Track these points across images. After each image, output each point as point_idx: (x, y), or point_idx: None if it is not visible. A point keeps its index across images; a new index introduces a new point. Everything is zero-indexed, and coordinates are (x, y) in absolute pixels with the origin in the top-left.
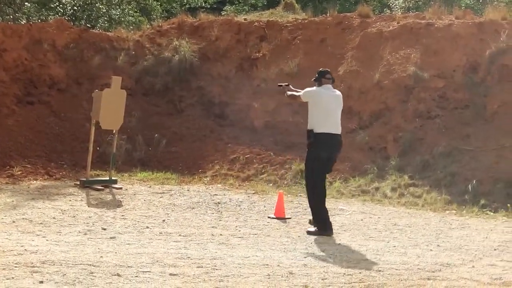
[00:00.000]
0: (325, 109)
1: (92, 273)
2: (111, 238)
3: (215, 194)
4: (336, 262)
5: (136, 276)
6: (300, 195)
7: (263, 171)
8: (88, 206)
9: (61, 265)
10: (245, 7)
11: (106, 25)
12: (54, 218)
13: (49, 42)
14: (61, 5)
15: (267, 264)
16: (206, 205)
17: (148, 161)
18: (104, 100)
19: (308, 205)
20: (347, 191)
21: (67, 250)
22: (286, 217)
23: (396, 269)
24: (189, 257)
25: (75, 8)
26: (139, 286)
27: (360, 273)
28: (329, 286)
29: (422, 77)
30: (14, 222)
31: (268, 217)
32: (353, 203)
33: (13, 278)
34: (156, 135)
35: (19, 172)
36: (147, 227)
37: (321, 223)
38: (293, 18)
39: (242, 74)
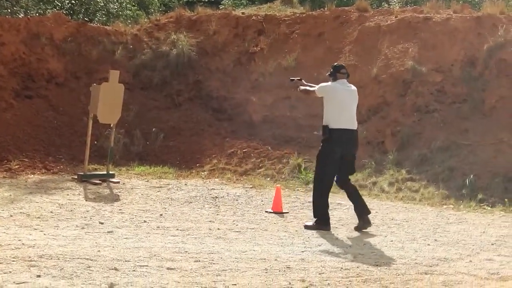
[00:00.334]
0: (341, 105)
1: (89, 267)
2: (108, 232)
3: (213, 189)
4: (333, 257)
5: (133, 270)
6: (298, 190)
7: (260, 165)
8: (86, 200)
9: (58, 259)
10: (243, 1)
11: (104, 19)
12: (51, 212)
13: (47, 36)
14: None
15: (264, 259)
16: (204, 199)
17: (146, 155)
18: (102, 94)
19: (312, 197)
20: None
21: (65, 244)
22: (284, 211)
23: (394, 264)
24: (186, 251)
25: (73, 2)
26: (136, 280)
27: (357, 267)
28: (326, 280)
29: (420, 72)
30: (11, 216)
31: (266, 212)
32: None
33: (10, 272)
34: (153, 129)
35: (16, 166)
36: (145, 221)
37: (320, 217)
38: (291, 12)
39: (240, 68)
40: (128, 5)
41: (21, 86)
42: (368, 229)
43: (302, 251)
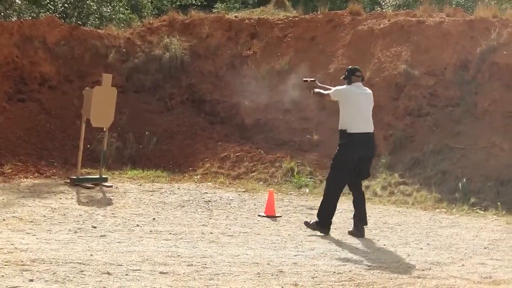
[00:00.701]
0: (357, 108)
1: (82, 271)
2: (101, 236)
3: (206, 192)
4: (326, 261)
5: (126, 275)
6: (290, 193)
7: (253, 169)
8: (79, 204)
9: (51, 263)
10: (236, 4)
11: (97, 22)
12: (44, 216)
13: (40, 39)
14: (52, 2)
15: (257, 263)
16: (197, 203)
17: (139, 159)
18: (94, 98)
19: (322, 200)
20: None
21: (57, 248)
22: (277, 215)
23: (386, 268)
24: (179, 256)
25: (66, 5)
26: (129, 285)
27: (350, 271)
28: (319, 284)
29: (413, 75)
30: (4, 220)
31: (259, 216)
32: (343, 201)
33: (2, 276)
34: (146, 132)
35: (9, 170)
36: (138, 225)
37: (323, 219)
38: (284, 16)
39: (233, 71)
40: (121, 9)
41: (14, 90)
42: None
43: (295, 255)
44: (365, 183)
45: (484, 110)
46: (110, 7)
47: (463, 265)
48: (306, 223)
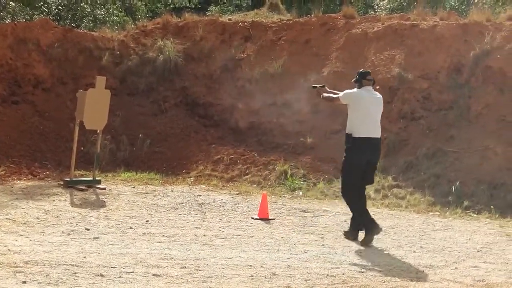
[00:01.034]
0: (365, 112)
1: (75, 273)
2: (94, 238)
3: (199, 195)
4: (319, 263)
5: (119, 277)
6: (284, 196)
7: (247, 172)
8: (72, 206)
9: (44, 265)
10: (229, 7)
11: (91, 25)
12: (37, 218)
13: (34, 41)
14: (46, 5)
15: (250, 265)
16: (190, 205)
17: (132, 161)
18: (88, 100)
19: (351, 211)
20: (330, 192)
21: (51, 250)
22: (270, 218)
23: (379, 271)
24: (172, 258)
25: (60, 7)
26: (122, 287)
27: (343, 274)
28: (312, 287)
29: (407, 78)
30: None
31: (252, 218)
32: (336, 204)
33: None
34: (140, 135)
35: (3, 172)
36: (131, 228)
37: (368, 224)
38: (278, 19)
39: (227, 74)
40: (115, 11)
41: (8, 92)
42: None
43: (288, 258)
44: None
45: (478, 113)
46: (104, 9)
47: (456, 268)
48: (362, 243)
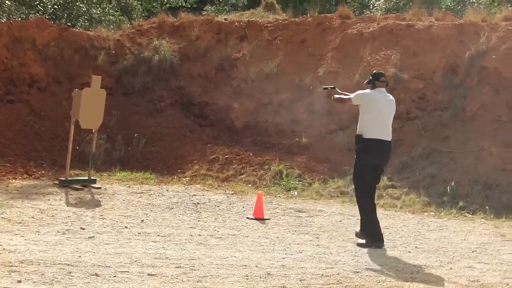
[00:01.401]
0: (377, 114)
1: (70, 272)
2: (89, 237)
3: (194, 195)
4: (314, 263)
5: (114, 276)
6: (279, 196)
7: (242, 171)
8: (67, 206)
9: (39, 264)
10: (225, 7)
11: (87, 24)
12: (33, 217)
13: (29, 40)
14: (41, 4)
15: (245, 265)
16: (185, 205)
17: (128, 161)
18: (83, 99)
19: (359, 215)
20: (326, 192)
21: (46, 249)
22: (265, 218)
23: (374, 271)
24: (167, 257)
25: (56, 6)
26: (117, 286)
27: (338, 274)
28: (307, 287)
29: (402, 78)
30: None
31: (247, 218)
32: (332, 204)
33: None
34: (135, 134)
35: None
36: (126, 227)
37: (372, 235)
38: (274, 19)
39: (222, 74)
40: (110, 11)
41: (3, 91)
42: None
43: (283, 258)
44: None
45: (473, 114)
46: (99, 9)
47: (451, 268)
48: (359, 244)
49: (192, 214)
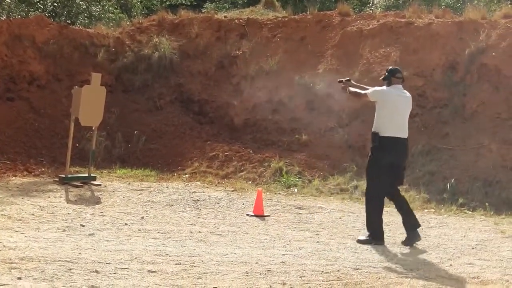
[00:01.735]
0: (393, 111)
1: (70, 269)
2: (89, 234)
3: (194, 192)
4: (314, 260)
5: (114, 273)
6: (279, 193)
7: (242, 168)
8: (67, 203)
9: (39, 261)
10: (225, 4)
11: (86, 21)
12: (33, 214)
13: (29, 38)
14: (41, 1)
15: (245, 262)
16: (185, 202)
17: (127, 158)
18: (83, 97)
19: (366, 212)
20: (326, 189)
21: (46, 246)
22: (265, 214)
23: (374, 267)
24: (167, 254)
25: (55, 4)
26: (117, 283)
27: (338, 271)
28: (307, 284)
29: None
30: None
31: (247, 215)
32: (332, 201)
33: None
34: (135, 132)
35: None
36: (126, 224)
37: (374, 232)
38: (273, 16)
39: (222, 71)
40: (110, 8)
41: (3, 88)
42: (347, 232)
43: (283, 255)
44: (353, 183)
45: (473, 111)
46: (99, 6)
47: (451, 265)
48: (360, 241)
49: (192, 211)
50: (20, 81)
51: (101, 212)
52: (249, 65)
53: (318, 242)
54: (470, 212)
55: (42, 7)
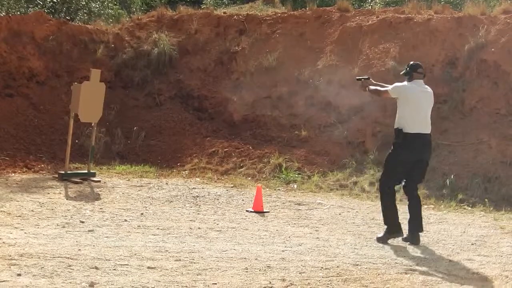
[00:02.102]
0: (416, 107)
1: (70, 266)
2: (89, 231)
3: (194, 188)
4: (313, 256)
5: (114, 269)
6: (278, 189)
7: (241, 164)
8: (67, 199)
9: (39, 258)
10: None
11: (86, 17)
12: (32, 211)
13: (28, 34)
14: None
15: (245, 258)
16: (185, 198)
17: (127, 154)
18: (83, 93)
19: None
20: (325, 185)
21: (45, 243)
22: (264, 211)
23: (374, 263)
24: (167, 251)
25: (55, 0)
26: (117, 279)
27: (337, 267)
28: (306, 280)
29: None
30: None
31: (246, 211)
32: (331, 197)
33: None
34: (135, 128)
35: None
36: (125, 220)
37: (390, 226)
38: (273, 12)
39: (221, 67)
40: (109, 4)
41: (2, 85)
42: (347, 228)
43: (283, 251)
44: (353, 179)
45: (472, 107)
46: (98, 2)
47: (450, 261)
48: (378, 239)
49: (191, 207)
50: (19, 77)
51: (100, 209)
52: (249, 61)
53: (317, 238)
54: (469, 208)
55: (41, 3)
